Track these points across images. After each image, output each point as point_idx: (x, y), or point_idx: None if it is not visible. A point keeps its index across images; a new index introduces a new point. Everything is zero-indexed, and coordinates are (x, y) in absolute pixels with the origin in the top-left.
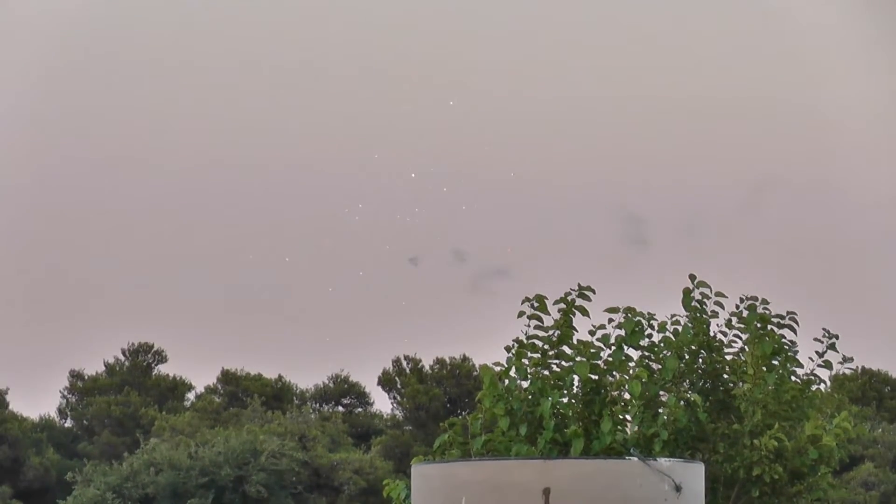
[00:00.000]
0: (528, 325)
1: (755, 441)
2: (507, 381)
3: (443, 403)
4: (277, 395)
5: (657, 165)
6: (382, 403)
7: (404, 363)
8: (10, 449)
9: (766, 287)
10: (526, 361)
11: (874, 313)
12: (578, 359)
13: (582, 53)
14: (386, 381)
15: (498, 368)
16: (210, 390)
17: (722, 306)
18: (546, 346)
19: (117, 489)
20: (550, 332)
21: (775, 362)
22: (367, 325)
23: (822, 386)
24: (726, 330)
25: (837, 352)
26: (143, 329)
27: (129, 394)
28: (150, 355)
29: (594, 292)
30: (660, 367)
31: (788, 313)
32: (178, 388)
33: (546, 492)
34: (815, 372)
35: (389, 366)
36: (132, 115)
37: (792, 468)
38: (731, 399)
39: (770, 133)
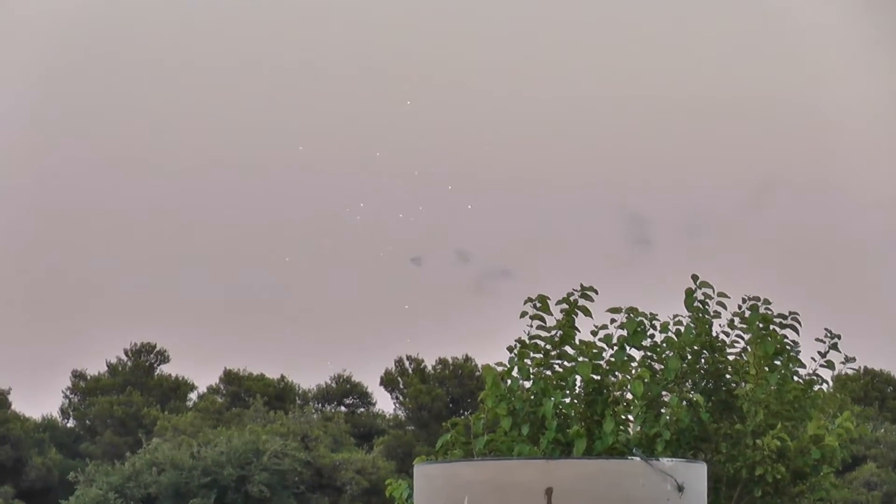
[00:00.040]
0: (531, 326)
1: (758, 441)
2: (509, 382)
3: (445, 403)
4: (280, 395)
5: (658, 165)
6: (385, 403)
7: (407, 363)
8: (12, 449)
9: (768, 287)
10: (528, 361)
11: (876, 313)
12: (581, 359)
13: (582, 53)
14: (388, 381)
15: (500, 368)
16: (212, 390)
17: (724, 306)
18: (548, 347)
19: (119, 489)
20: (553, 333)
21: (777, 362)
22: (369, 326)
23: (825, 386)
24: (729, 330)
25: (840, 352)
26: (145, 329)
27: (131, 394)
28: (152, 355)
29: (596, 292)
30: (662, 367)
31: (790, 313)
32: (180, 388)
33: (548, 492)
34: (817, 372)
35: (392, 366)
36: (132, 115)
37: (794, 468)
38: (733, 399)
39: (771, 133)
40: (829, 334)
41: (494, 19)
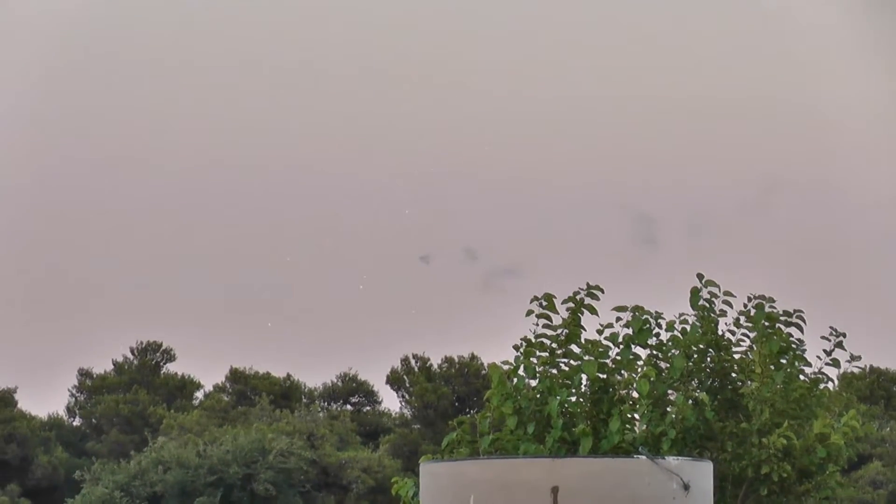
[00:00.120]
0: (537, 324)
1: (763, 440)
2: (515, 380)
3: (451, 402)
4: (286, 393)
5: (660, 165)
6: (391, 402)
7: (412, 362)
8: (18, 447)
9: (773, 286)
10: (534, 360)
11: (882, 312)
12: (586, 358)
13: (582, 53)
14: (394, 380)
15: (506, 367)
16: (218, 389)
17: (730, 305)
18: (554, 345)
19: (125, 487)
20: (559, 331)
21: (783, 361)
22: (375, 324)
23: (830, 384)
24: (734, 329)
25: (845, 350)
26: (150, 328)
27: (137, 392)
28: (158, 354)
29: (602, 291)
30: (668, 365)
31: (795, 311)
32: (186, 386)
33: (554, 490)
34: (822, 370)
35: (398, 364)
36: (132, 115)
37: (800, 467)
38: (739, 398)
39: (772, 133)
40: (834, 332)
41: (494, 19)
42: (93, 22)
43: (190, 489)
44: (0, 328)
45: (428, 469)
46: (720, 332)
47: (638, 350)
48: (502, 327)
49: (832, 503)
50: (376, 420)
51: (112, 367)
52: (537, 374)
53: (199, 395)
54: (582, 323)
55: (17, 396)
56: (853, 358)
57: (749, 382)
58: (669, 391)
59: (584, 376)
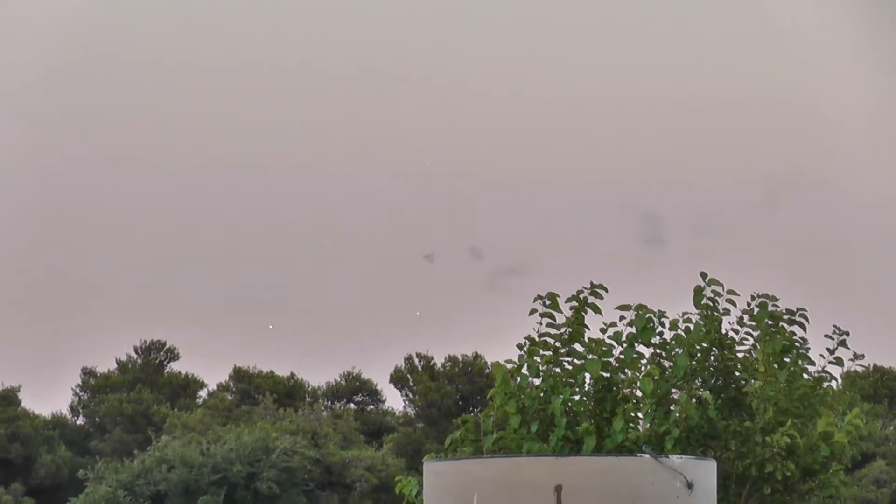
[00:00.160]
0: (541, 323)
1: (767, 438)
2: (518, 379)
3: (455, 401)
4: (289, 392)
5: (662, 165)
6: (394, 401)
7: (416, 360)
8: (22, 446)
9: (776, 285)
10: (538, 359)
11: (885, 311)
12: (590, 356)
13: (582, 53)
14: (398, 379)
15: (510, 366)
16: (222, 388)
17: (734, 304)
18: (558, 344)
19: (129, 486)
20: (562, 330)
21: (787, 359)
22: (378, 323)
23: (834, 383)
24: (738, 327)
25: (848, 348)
26: (155, 327)
27: (141, 391)
28: (162, 353)
29: (606, 290)
30: (671, 364)
31: (798, 310)
32: (190, 385)
33: (558, 489)
34: (826, 369)
35: (401, 363)
36: (132, 115)
37: (804, 465)
38: (742, 396)
39: (777, 133)
40: (837, 331)
41: (494, 19)
42: (93, 22)
43: (193, 488)
44: (3, 327)
45: (431, 468)
46: (723, 331)
47: (641, 349)
48: (506, 326)
49: (836, 502)
50: (380, 419)
51: (116, 365)
52: (541, 373)
53: (203, 393)
54: (585, 322)
55: (20, 395)
56: (856, 356)
57: (752, 381)
58: (673, 390)
59: (587, 375)
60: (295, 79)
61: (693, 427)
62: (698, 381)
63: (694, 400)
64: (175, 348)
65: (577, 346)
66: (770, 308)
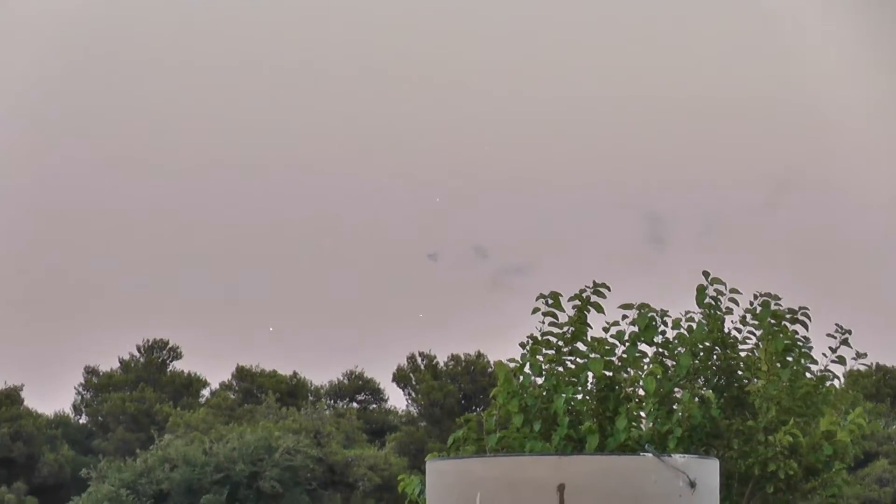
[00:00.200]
0: (543, 322)
1: (770, 437)
2: (521, 378)
3: (457, 400)
4: (292, 391)
5: (667, 165)
6: (397, 399)
7: (419, 359)
8: (24, 445)
9: (778, 284)
10: (540, 358)
11: (887, 310)
12: (593, 355)
13: (582, 53)
14: (400, 378)
15: (512, 365)
16: (225, 387)
17: (736, 303)
18: (560, 343)
19: (132, 485)
20: (565, 329)
21: (789, 358)
22: (381, 322)
23: (836, 382)
24: (740, 326)
25: (851, 347)
26: (158, 326)
27: (143, 390)
28: (164, 352)
29: (609, 289)
30: (674, 363)
31: (800, 308)
32: (192, 384)
33: (560, 488)
34: (828, 368)
35: (404, 362)
36: (132, 115)
37: (806, 464)
38: (745, 395)
39: (777, 133)
40: (839, 330)
41: (494, 19)
42: (93, 22)
43: (196, 487)
44: (6, 326)
45: (434, 467)
46: (726, 330)
47: (644, 348)
48: (509, 325)
49: (838, 501)
50: (382, 418)
51: (118, 364)
52: (543, 372)
53: (206, 392)
54: (588, 321)
55: (23, 394)
56: (859, 355)
57: (755, 380)
58: (676, 389)
59: (590, 374)
60: (295, 79)
61: (696, 426)
62: (701, 380)
63: (697, 399)
64: (178, 347)
65: (580, 345)
66: (772, 307)
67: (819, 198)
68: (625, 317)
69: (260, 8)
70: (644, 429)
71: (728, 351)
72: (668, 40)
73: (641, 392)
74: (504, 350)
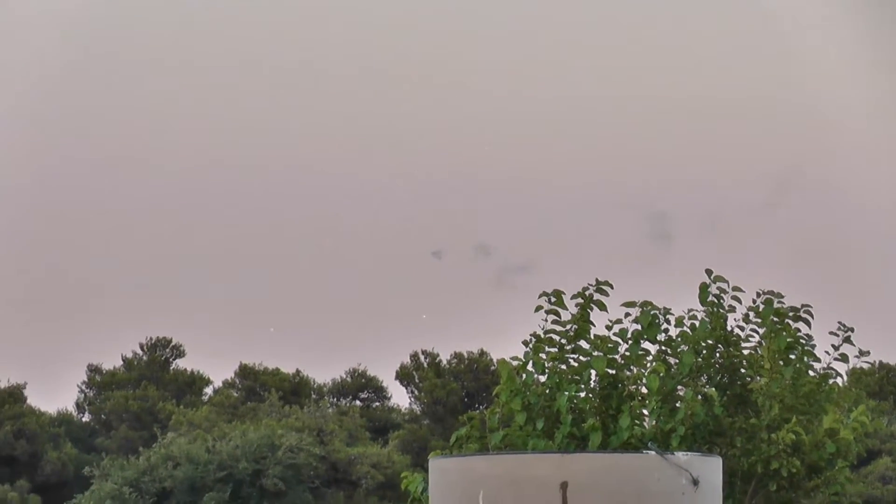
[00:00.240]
0: (546, 320)
1: (772, 435)
2: (524, 376)
3: (460, 398)
4: (295, 389)
5: (671, 164)
6: (400, 397)
7: (422, 357)
8: (27, 443)
9: (781, 283)
10: (543, 356)
11: (890, 307)
12: (595, 353)
13: (582, 53)
14: (403, 376)
15: (515, 363)
16: (228, 385)
17: (739, 301)
18: (563, 341)
19: (135, 483)
20: (568, 327)
21: (792, 356)
22: (384, 320)
23: (839, 380)
24: (743, 324)
25: (853, 345)
26: (161, 325)
27: (146, 388)
28: (167, 350)
29: (612, 287)
30: (677, 361)
31: (803, 306)
32: (195, 382)
33: (563, 486)
34: (831, 366)
35: (407, 360)
36: (132, 115)
37: (809, 462)
38: (748, 393)
39: (778, 132)
40: (842, 327)
41: (494, 19)
42: (93, 22)
43: (199, 485)
44: (8, 325)
45: (437, 465)
46: (729, 328)
47: (647, 346)
48: (511, 323)
49: (841, 498)
50: (385, 416)
51: (121, 363)
52: (546, 370)
53: (209, 391)
54: (591, 319)
55: (26, 392)
56: (862, 353)
57: (758, 378)
58: (679, 387)
59: (593, 372)
60: (295, 79)
61: (699, 424)
62: (704, 378)
63: (700, 397)
64: (181, 345)
65: (583, 343)
66: (775, 305)
67: (821, 196)
68: (628, 315)
69: (260, 8)
70: (647, 427)
71: (731, 349)
72: (668, 40)
73: (644, 390)
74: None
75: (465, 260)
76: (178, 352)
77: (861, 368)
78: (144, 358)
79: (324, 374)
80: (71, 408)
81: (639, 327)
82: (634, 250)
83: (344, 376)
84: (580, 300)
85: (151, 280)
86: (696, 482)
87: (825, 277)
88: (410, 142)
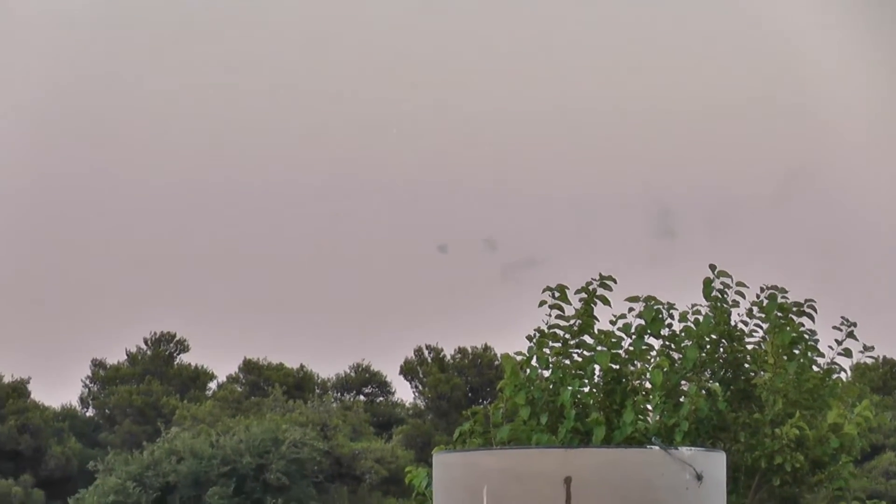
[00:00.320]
0: (550, 315)
1: (776, 430)
2: (528, 371)
3: (464, 392)
4: (299, 384)
5: (675, 161)
6: (404, 392)
7: (426, 352)
8: (31, 438)
9: (784, 278)
10: (547, 351)
11: (893, 305)
12: (599, 348)
13: (582, 53)
14: (407, 371)
15: (519, 358)
16: (232, 379)
17: (743, 296)
18: (567, 336)
19: (138, 478)
20: (572, 322)
21: (796, 351)
22: (388, 315)
23: (843, 375)
24: (747, 319)
25: (857, 340)
26: (165, 319)
27: (150, 383)
28: (172, 344)
29: (615, 282)
30: (681, 356)
31: (806, 301)
32: (199, 377)
33: (567, 480)
34: (835, 361)
35: (411, 355)
36: (132, 115)
37: (813, 457)
38: (752, 388)
39: (782, 131)
40: (845, 322)
41: (494, 19)
42: (93, 22)
43: (203, 480)
44: (12, 320)
45: (441, 459)
46: (733, 323)
47: (651, 341)
48: (516, 318)
49: (845, 493)
50: (389, 410)
51: (125, 357)
52: (550, 365)
53: (213, 385)
54: (595, 313)
55: (30, 387)
56: (866, 348)
57: (762, 373)
58: (682, 382)
59: (596, 367)
60: (295, 79)
61: (702, 419)
62: (708, 373)
63: (703, 392)
64: (185, 340)
65: (587, 338)
66: (779, 300)
67: (825, 193)
68: (631, 309)
69: (260, 8)
70: (651, 421)
71: (735, 344)
72: (668, 40)
73: (648, 385)
74: (511, 343)
75: (469, 255)
76: (182, 346)
77: (865, 363)
78: (148, 353)
79: (328, 368)
80: (75, 402)
81: (642, 322)
82: (638, 246)
83: (348, 371)
84: (584, 295)
85: (155, 276)
86: (699, 477)
87: (828, 273)
88: (416, 139)
